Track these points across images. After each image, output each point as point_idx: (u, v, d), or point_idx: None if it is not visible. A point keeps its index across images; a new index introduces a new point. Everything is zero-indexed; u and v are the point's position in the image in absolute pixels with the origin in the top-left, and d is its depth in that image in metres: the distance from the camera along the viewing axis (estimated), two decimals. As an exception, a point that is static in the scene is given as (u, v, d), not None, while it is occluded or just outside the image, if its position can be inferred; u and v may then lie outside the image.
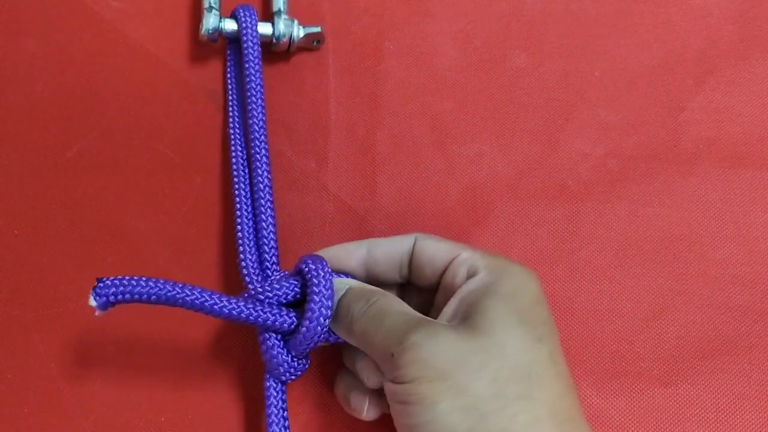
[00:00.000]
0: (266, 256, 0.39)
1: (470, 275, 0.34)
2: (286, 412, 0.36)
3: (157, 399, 0.40)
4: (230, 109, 0.43)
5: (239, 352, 0.40)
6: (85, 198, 0.42)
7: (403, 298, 0.36)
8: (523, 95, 0.45)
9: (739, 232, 0.43)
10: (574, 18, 0.47)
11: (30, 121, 0.43)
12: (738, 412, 0.40)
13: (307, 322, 0.34)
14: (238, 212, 0.40)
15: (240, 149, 0.42)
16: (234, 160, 0.42)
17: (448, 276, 0.35)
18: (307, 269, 0.35)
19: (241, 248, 0.39)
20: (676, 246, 0.43)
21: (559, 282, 0.42)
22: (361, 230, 0.43)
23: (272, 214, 0.39)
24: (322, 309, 0.34)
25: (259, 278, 0.38)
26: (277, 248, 0.39)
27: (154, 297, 0.33)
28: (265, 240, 0.39)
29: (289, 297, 0.36)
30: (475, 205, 0.43)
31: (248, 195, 0.40)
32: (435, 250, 0.36)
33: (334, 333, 0.35)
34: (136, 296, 0.33)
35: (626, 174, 0.44)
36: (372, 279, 0.37)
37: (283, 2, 0.44)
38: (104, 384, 0.40)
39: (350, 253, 0.37)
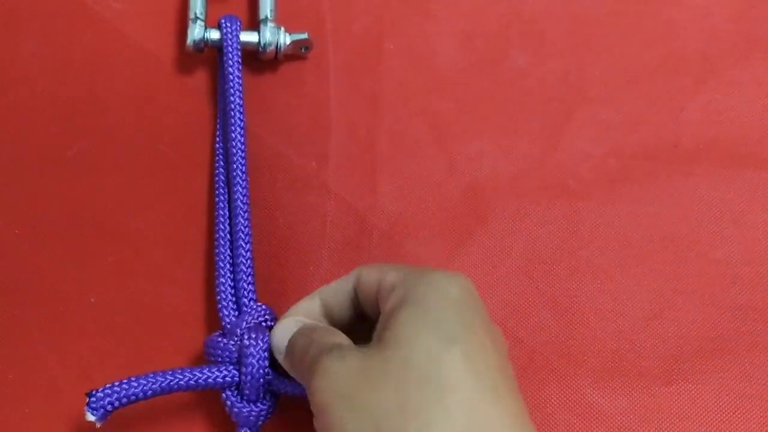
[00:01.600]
0: (242, 285, 0.39)
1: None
2: None
3: (158, 398, 0.39)
4: (218, 124, 0.43)
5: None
6: (85, 198, 0.42)
7: None
8: (524, 95, 0.45)
9: (739, 231, 0.43)
10: (575, 18, 0.47)
11: (30, 121, 0.43)
12: (739, 411, 0.40)
13: (245, 377, 0.36)
14: (217, 242, 0.40)
15: (221, 169, 0.42)
16: (216, 178, 0.42)
17: (380, 302, 0.33)
18: (245, 334, 0.37)
19: (218, 282, 0.39)
20: (676, 245, 0.43)
21: (559, 281, 0.42)
22: (362, 229, 0.43)
23: (249, 243, 0.40)
24: (257, 362, 0.36)
25: (234, 313, 0.39)
26: (252, 281, 0.39)
27: (142, 394, 0.35)
28: (240, 268, 0.39)
29: (233, 357, 0.37)
30: (475, 204, 0.43)
31: (228, 224, 0.41)
32: (368, 280, 0.34)
33: (285, 379, 0.36)
34: (133, 397, 0.35)
35: (627, 173, 0.44)
36: (337, 325, 0.36)
37: (270, 10, 0.44)
38: (104, 384, 0.40)
39: (307, 309, 0.36)
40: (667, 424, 0.40)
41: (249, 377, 0.36)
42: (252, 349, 0.36)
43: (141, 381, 0.35)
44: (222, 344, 0.37)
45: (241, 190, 0.40)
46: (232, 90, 0.41)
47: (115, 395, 0.34)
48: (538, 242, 0.43)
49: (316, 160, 0.44)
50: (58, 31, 0.45)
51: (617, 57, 0.46)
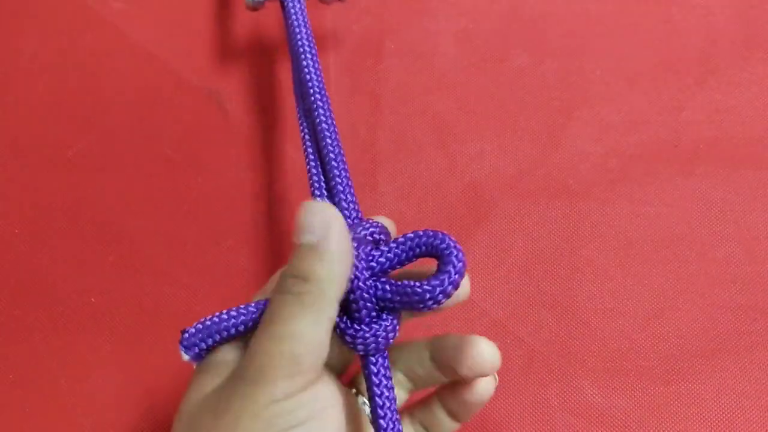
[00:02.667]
0: (342, 206, 0.35)
1: None
2: (390, 382, 0.32)
3: (158, 398, 0.40)
4: (293, 65, 0.40)
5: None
6: (85, 198, 0.42)
7: None
8: (524, 94, 0.45)
9: (739, 231, 0.43)
10: (575, 17, 0.47)
11: (30, 121, 0.43)
12: (739, 410, 0.40)
13: (348, 294, 0.31)
14: (309, 169, 0.36)
15: (301, 106, 0.39)
16: (299, 115, 0.39)
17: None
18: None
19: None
20: (676, 245, 0.43)
21: (560, 280, 0.42)
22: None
23: (343, 162, 0.36)
24: (359, 273, 0.31)
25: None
26: (354, 199, 0.35)
27: (234, 329, 0.31)
28: (337, 189, 0.35)
29: None
30: (476, 203, 0.43)
31: (315, 149, 0.37)
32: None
33: (400, 290, 0.31)
34: (225, 333, 0.31)
35: (627, 173, 0.44)
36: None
37: None
38: (104, 384, 0.40)
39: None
40: (667, 424, 0.40)
41: (352, 293, 0.31)
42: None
43: (232, 314, 0.31)
44: None
45: (323, 112, 0.37)
46: (298, 24, 0.40)
47: (207, 331, 0.31)
48: (538, 242, 0.43)
49: (317, 159, 0.44)
50: (59, 31, 0.45)
51: (617, 57, 0.46)
